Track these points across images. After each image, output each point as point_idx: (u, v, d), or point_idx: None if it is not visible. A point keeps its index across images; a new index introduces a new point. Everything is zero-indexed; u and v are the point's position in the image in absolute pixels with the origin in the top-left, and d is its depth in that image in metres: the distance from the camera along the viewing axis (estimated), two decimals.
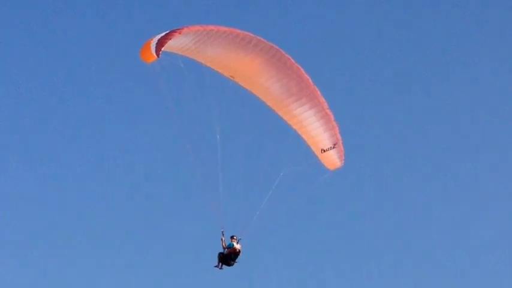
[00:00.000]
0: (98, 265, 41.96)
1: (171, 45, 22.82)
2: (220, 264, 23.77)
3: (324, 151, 25.56)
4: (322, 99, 25.21)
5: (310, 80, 24.94)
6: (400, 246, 43.42)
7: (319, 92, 25.15)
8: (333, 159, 25.75)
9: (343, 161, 25.71)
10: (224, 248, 23.73)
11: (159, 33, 22.69)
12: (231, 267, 23.79)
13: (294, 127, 25.51)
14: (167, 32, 22.64)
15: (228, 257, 23.64)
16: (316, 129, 25.45)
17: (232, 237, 23.85)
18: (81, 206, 44.92)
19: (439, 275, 41.72)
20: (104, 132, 48.71)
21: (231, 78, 24.82)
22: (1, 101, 49.89)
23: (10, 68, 51.27)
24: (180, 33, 22.56)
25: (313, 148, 25.71)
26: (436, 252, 42.88)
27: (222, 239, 23.77)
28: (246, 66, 24.41)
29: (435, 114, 49.69)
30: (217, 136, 23.68)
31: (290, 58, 24.58)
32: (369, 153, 46.72)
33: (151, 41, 22.58)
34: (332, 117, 25.36)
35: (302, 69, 24.85)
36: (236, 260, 23.74)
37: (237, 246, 23.71)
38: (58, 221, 44.13)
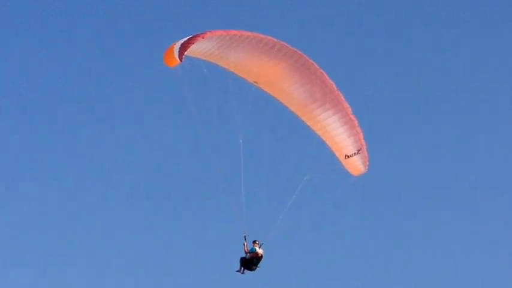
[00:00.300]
0: (117, 270, 42.01)
1: (194, 50, 22.81)
2: (242, 268, 23.57)
3: (348, 157, 25.27)
4: (346, 105, 24.95)
5: (334, 85, 24.68)
6: (423, 251, 42.96)
7: (343, 98, 24.90)
8: (356, 165, 25.45)
9: (367, 167, 25.39)
10: (246, 253, 23.55)
11: (182, 38, 22.73)
12: (253, 272, 23.65)
13: (318, 133, 25.28)
14: (190, 36, 22.65)
15: (250, 262, 23.43)
16: (340, 135, 25.18)
17: (254, 242, 23.64)
18: (101, 207, 45.06)
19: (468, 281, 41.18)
20: (125, 135, 48.86)
21: (255, 84, 24.75)
22: (14, 99, 50.02)
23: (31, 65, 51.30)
24: (203, 38, 22.53)
25: (337, 154, 25.43)
26: (465, 257, 42.37)
27: (244, 244, 23.59)
28: (269, 72, 24.29)
29: (465, 118, 49.36)
30: (240, 140, 23.59)
31: (314, 63, 24.39)
32: (393, 158, 46.37)
33: (175, 46, 22.57)
34: (356, 122, 25.07)
35: (326, 75, 24.61)
36: (258, 265, 23.55)
37: (259, 251, 23.49)
38: (75, 221, 44.24)
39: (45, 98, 50.17)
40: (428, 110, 49.84)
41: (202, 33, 22.62)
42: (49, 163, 47.29)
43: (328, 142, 25.35)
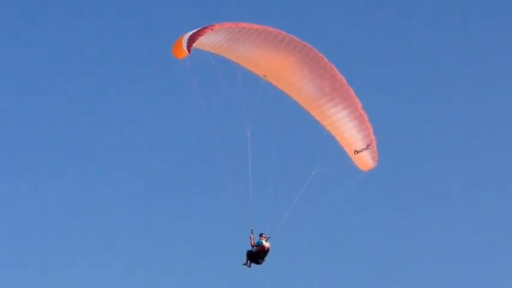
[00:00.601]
0: (125, 266, 41.97)
1: (203, 42, 22.62)
2: (248, 262, 23.37)
3: (357, 152, 24.95)
4: (356, 100, 24.62)
5: (344, 80, 24.36)
6: (429, 247, 42.62)
7: (352, 92, 24.56)
8: (366, 161, 25.12)
9: (376, 162, 25.09)
10: (253, 246, 23.35)
11: (191, 30, 22.58)
12: (259, 265, 23.43)
13: (327, 128, 24.96)
14: (199, 28, 22.49)
15: (256, 255, 23.23)
16: (349, 130, 24.85)
17: (261, 235, 23.40)
18: (105, 204, 45.03)
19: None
20: (130, 131, 48.77)
21: (264, 78, 24.53)
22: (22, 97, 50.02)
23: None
24: (212, 30, 22.32)
25: (346, 149, 25.11)
26: (473, 252, 42.04)
27: (251, 237, 23.38)
28: (278, 65, 24.03)
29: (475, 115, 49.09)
30: (248, 134, 23.40)
31: (323, 57, 24.07)
32: (403, 153, 46.09)
33: (183, 37, 22.39)
34: (366, 117, 24.72)
35: (335, 69, 24.29)
36: (265, 259, 23.33)
37: (266, 244, 23.24)
38: (80, 221, 44.20)
39: (49, 93, 50.24)
40: (437, 104, 49.58)
41: (211, 25, 22.41)
42: (52, 162, 47.41)
43: (337, 137, 25.04)
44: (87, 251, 42.32)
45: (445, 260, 41.96)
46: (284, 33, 23.49)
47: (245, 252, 23.44)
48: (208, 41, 22.74)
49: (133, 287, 40.68)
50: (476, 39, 51.95)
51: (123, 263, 41.90)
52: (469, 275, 41.35)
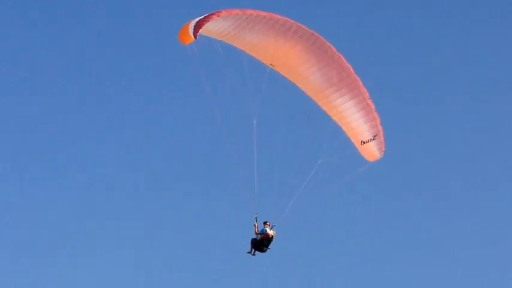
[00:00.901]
0: (129, 251, 41.84)
1: (209, 29, 22.44)
2: (253, 250, 23.17)
3: (364, 143, 24.69)
4: (363, 89, 24.30)
5: (352, 69, 24.08)
6: (436, 238, 42.34)
7: (360, 82, 24.24)
8: (372, 151, 24.81)
9: (383, 153, 24.81)
10: (257, 234, 23.14)
11: (198, 17, 22.43)
12: (263, 253, 23.21)
13: (334, 118, 24.65)
14: (206, 15, 22.34)
15: (260, 243, 23.02)
16: (356, 121, 24.55)
17: (265, 223, 23.17)
18: (109, 189, 44.95)
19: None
20: (135, 118, 48.68)
21: (271, 67, 24.31)
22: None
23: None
24: (218, 16, 22.11)
25: (352, 140, 24.80)
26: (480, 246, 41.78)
27: (255, 225, 23.17)
28: (285, 54, 23.75)
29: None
30: (254, 121, 23.20)
31: (331, 46, 23.76)
32: (411, 145, 45.91)
33: (190, 24, 22.26)
34: (373, 107, 24.39)
35: (343, 58, 24.02)
36: (269, 246, 23.12)
37: (270, 232, 23.04)
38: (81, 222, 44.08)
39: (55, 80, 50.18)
40: (444, 95, 49.44)
41: (217, 12, 22.21)
42: (56, 157, 47.42)
43: (344, 128, 24.75)
44: (89, 249, 42.30)
45: (449, 253, 41.69)
46: (291, 21, 23.23)
47: (249, 241, 23.25)
48: (214, 28, 22.56)
49: (140, 278, 40.54)
50: (477, 39, 51.75)
51: (153, 246, 41.76)
52: (472, 268, 41.03)
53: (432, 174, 45.90)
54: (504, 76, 50.00)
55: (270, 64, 24.13)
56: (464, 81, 50.18)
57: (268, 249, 23.10)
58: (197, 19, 22.18)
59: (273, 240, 23.05)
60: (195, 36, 21.74)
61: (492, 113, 48.88)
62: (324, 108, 24.70)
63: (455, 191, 45.29)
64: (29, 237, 42.75)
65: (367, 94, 24.33)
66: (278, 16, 23.10)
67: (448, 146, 47.22)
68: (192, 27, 21.98)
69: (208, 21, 21.98)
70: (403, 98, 49.20)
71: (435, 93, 49.19)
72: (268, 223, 23.17)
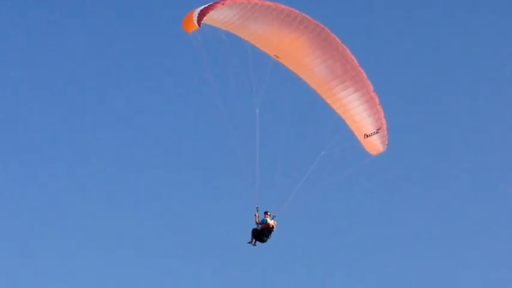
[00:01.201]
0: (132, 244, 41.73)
1: (213, 18, 22.25)
2: (253, 240, 22.95)
3: (367, 136, 24.49)
4: (368, 82, 24.03)
5: (356, 62, 23.86)
6: (437, 232, 42.14)
7: (364, 74, 23.96)
8: (375, 145, 24.55)
9: (386, 146, 24.58)
10: (257, 224, 22.95)
11: (202, 5, 22.28)
12: (264, 243, 23.00)
13: (337, 111, 24.37)
14: (210, 3, 22.20)
15: (261, 233, 22.82)
16: (359, 114, 24.28)
17: (266, 213, 22.98)
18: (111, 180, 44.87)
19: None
20: (137, 108, 48.57)
21: (275, 58, 24.12)
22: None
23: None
24: (223, 5, 21.98)
25: (355, 133, 24.58)
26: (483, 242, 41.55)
27: (255, 215, 22.96)
28: (289, 45, 23.50)
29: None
30: (257, 110, 23.01)
31: (336, 38, 23.50)
32: (413, 138, 45.74)
33: (194, 12, 22.12)
34: (377, 100, 24.12)
35: (348, 50, 23.79)
36: (270, 236, 22.92)
37: (271, 222, 22.84)
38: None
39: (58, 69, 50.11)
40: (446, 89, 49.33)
41: (222, 0, 22.12)
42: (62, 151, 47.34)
43: (347, 121, 24.49)
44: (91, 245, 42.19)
45: (453, 243, 41.44)
46: (296, 11, 23.00)
47: (250, 231, 23.05)
48: (219, 17, 22.37)
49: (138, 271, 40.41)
50: (478, 39, 51.56)
51: (155, 237, 41.62)
52: (476, 260, 40.80)
53: (434, 168, 45.70)
54: (505, 74, 49.78)
55: (274, 55, 23.92)
56: (464, 78, 50.02)
57: (268, 240, 22.89)
58: (201, 7, 22.01)
59: (274, 230, 22.84)
60: (199, 24, 21.56)
61: (493, 109, 48.69)
62: (328, 100, 24.46)
63: (457, 186, 45.08)
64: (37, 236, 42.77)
65: (372, 87, 24.08)
66: (283, 6, 22.88)
67: (450, 141, 47.05)
68: (196, 15, 21.81)
69: (213, 9, 21.80)
70: (405, 94, 49.03)
71: (438, 90, 49.03)
72: (269, 213, 22.96)
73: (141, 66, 49.85)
